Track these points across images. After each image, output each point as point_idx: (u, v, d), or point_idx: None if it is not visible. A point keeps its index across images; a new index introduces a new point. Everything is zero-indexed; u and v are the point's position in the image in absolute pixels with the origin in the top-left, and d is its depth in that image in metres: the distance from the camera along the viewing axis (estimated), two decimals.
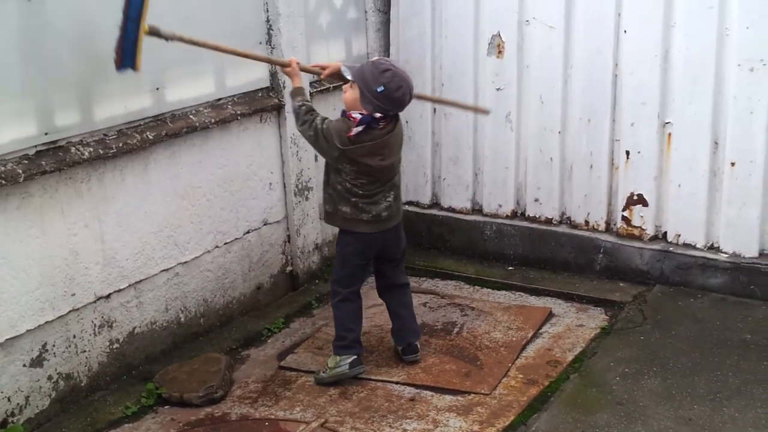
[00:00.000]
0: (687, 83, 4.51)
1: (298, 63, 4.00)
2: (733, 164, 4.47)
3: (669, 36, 4.51)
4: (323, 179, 3.94)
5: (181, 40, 3.70)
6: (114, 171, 3.81)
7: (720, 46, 4.39)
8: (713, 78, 4.43)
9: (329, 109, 5.08)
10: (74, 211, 3.66)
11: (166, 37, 3.63)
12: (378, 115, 3.71)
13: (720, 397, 3.65)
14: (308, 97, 3.96)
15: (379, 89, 3.66)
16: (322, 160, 4.97)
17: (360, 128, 3.71)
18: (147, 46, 3.87)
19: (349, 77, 3.81)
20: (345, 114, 3.78)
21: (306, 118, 3.83)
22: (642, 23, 4.56)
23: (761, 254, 4.53)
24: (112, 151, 3.74)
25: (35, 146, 3.48)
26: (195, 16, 4.16)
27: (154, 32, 3.57)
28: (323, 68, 4.05)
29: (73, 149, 3.60)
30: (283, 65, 4.07)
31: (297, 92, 3.91)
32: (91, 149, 3.66)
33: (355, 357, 3.92)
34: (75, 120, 3.65)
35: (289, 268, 4.92)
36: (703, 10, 4.37)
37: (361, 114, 3.72)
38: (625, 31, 4.62)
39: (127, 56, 3.59)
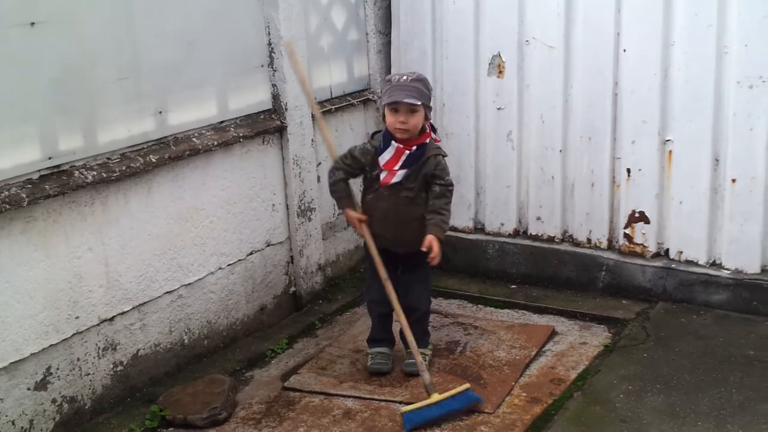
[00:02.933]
0: (687, 101, 4.53)
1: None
2: (734, 181, 4.48)
3: (668, 54, 4.54)
4: (421, 215, 3.96)
5: None
6: (117, 194, 3.84)
7: (719, 63, 4.41)
8: (713, 95, 4.46)
9: (331, 130, 5.12)
10: (78, 235, 3.68)
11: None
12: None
13: (723, 414, 3.65)
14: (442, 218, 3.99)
15: (430, 93, 3.98)
16: (325, 180, 5.01)
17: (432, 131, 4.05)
18: (149, 68, 3.94)
19: (418, 102, 3.87)
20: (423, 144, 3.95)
21: (449, 208, 4.00)
22: (641, 42, 4.59)
23: (763, 270, 4.53)
24: (115, 175, 3.76)
25: (39, 170, 3.51)
26: (198, 40, 4.20)
27: None
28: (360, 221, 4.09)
29: (76, 173, 3.63)
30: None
31: (443, 231, 3.98)
32: (95, 173, 3.69)
33: None
34: (78, 144, 3.67)
35: (292, 289, 4.93)
36: (702, 29, 4.40)
37: (429, 128, 4.01)
38: (624, 50, 4.65)
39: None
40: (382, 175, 3.95)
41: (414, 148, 3.91)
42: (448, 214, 4.00)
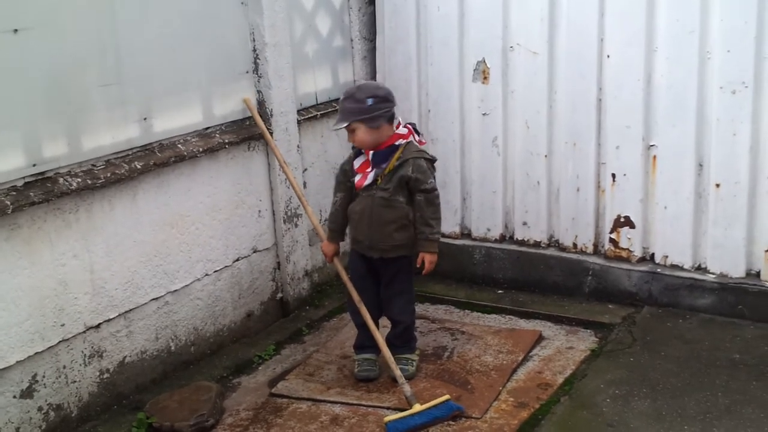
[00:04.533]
0: (670, 106, 4.56)
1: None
2: (718, 185, 4.51)
3: (651, 60, 4.57)
4: (396, 218, 3.98)
5: None
6: (102, 201, 3.82)
7: (702, 69, 4.44)
8: (696, 101, 4.48)
9: (317, 136, 5.14)
10: (63, 242, 3.66)
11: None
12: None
13: (710, 417, 3.66)
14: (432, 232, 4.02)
15: (368, 103, 3.89)
16: (311, 187, 5.05)
17: (415, 133, 4.05)
18: (133, 74, 3.92)
19: (341, 126, 3.94)
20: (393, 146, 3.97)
21: (440, 216, 4.02)
22: (624, 48, 4.61)
23: (748, 274, 4.56)
24: (100, 182, 3.75)
25: (23, 177, 3.49)
26: (183, 46, 4.20)
27: None
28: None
29: (61, 180, 3.61)
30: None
31: (434, 243, 4.02)
32: (80, 180, 3.67)
33: None
34: (63, 151, 3.66)
35: (279, 295, 4.92)
36: (685, 35, 4.43)
37: (404, 128, 4.01)
38: (608, 56, 4.68)
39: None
40: (356, 179, 4.03)
41: (379, 148, 3.97)
42: (437, 222, 4.00)
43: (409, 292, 4.19)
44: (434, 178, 4.02)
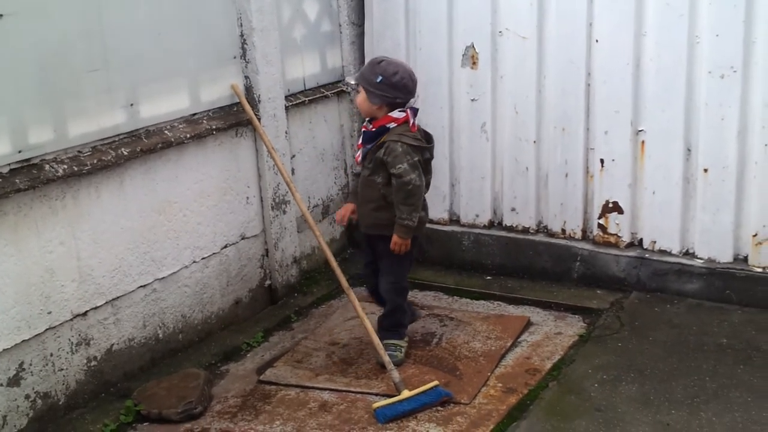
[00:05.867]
0: (659, 91, 4.56)
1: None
2: (706, 170, 4.51)
3: (640, 45, 4.56)
4: (374, 198, 4.05)
5: None
6: (89, 188, 3.80)
7: (691, 53, 4.44)
8: (685, 85, 4.48)
9: (305, 122, 5.12)
10: (49, 229, 3.64)
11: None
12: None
13: (697, 402, 3.68)
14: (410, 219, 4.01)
15: (377, 80, 3.90)
16: (300, 173, 5.03)
17: (412, 117, 4.00)
18: (120, 60, 3.89)
19: (353, 81, 4.09)
20: (375, 128, 4.00)
21: (414, 203, 3.96)
22: (613, 33, 4.60)
23: (736, 259, 4.57)
24: (86, 168, 3.72)
25: (9, 164, 3.46)
26: (170, 32, 4.16)
27: None
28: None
29: (47, 167, 3.58)
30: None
31: (409, 229, 4.00)
32: (66, 166, 3.65)
33: None
34: (49, 137, 3.63)
35: (267, 282, 4.91)
36: (674, 19, 4.42)
37: (402, 113, 3.98)
38: (597, 41, 4.67)
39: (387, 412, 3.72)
40: (356, 153, 4.18)
41: (371, 127, 4.02)
42: (407, 209, 3.93)
43: (394, 275, 4.18)
44: (420, 161, 3.94)
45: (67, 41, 3.68)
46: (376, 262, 4.24)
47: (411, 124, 3.99)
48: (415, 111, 4.04)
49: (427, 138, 4.08)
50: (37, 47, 3.55)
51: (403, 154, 3.90)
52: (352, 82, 4.11)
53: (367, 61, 5.26)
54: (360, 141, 4.11)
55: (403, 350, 4.17)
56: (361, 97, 4.01)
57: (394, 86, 3.92)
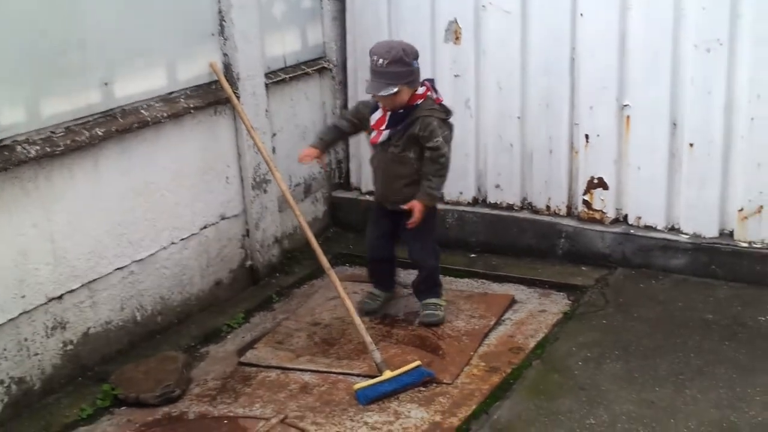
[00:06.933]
0: (644, 65, 4.50)
1: None
2: (691, 145, 4.46)
3: (625, 18, 4.50)
4: (406, 174, 4.10)
5: None
6: (62, 169, 3.71)
7: (676, 27, 4.38)
8: (670, 60, 4.43)
9: (286, 100, 5.04)
10: (21, 211, 3.56)
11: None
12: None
13: (682, 379, 3.64)
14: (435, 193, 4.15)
15: (416, 65, 4.00)
16: (281, 152, 4.96)
17: (433, 90, 4.11)
18: (94, 38, 3.81)
19: (388, 92, 3.92)
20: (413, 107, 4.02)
21: (444, 174, 4.12)
22: (598, 6, 4.54)
23: (721, 234, 4.54)
24: (59, 149, 3.64)
25: None
26: (145, 8, 4.06)
27: None
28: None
29: (18, 148, 3.50)
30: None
31: (435, 199, 4.17)
32: (38, 147, 3.56)
33: None
34: (20, 118, 3.55)
35: (248, 263, 4.84)
36: None
37: (422, 86, 4.05)
38: (581, 15, 4.60)
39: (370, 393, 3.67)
40: (372, 135, 4.14)
41: (400, 110, 4.01)
42: (438, 180, 4.07)
43: (424, 238, 4.25)
44: (449, 135, 4.11)
45: (40, 19, 3.58)
46: (391, 235, 4.32)
47: (435, 98, 4.09)
48: (432, 82, 4.14)
49: (447, 111, 4.16)
50: (8, 26, 3.46)
51: (438, 128, 4.01)
52: (392, 92, 3.88)
53: (349, 40, 5.22)
54: (374, 121, 4.10)
55: (442, 308, 4.29)
56: (403, 95, 3.94)
57: (417, 56, 4.02)
